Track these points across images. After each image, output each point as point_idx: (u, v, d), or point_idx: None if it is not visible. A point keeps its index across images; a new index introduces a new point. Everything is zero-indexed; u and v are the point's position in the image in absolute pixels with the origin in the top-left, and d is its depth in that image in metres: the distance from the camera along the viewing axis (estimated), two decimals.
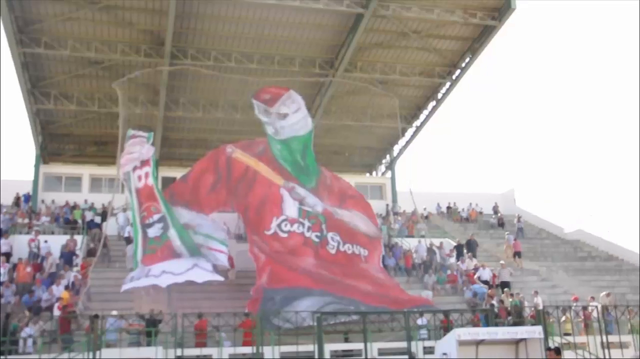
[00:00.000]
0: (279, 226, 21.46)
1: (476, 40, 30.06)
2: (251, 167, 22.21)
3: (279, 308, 19.08)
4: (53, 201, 31.01)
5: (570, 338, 18.36)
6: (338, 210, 22.44)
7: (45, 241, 24.16)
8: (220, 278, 20.05)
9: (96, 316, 16.15)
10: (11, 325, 17.03)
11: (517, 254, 29.31)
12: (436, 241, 28.67)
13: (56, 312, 18.50)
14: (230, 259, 21.44)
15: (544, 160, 77.08)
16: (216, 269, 20.34)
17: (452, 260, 27.56)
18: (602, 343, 18.00)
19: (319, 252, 21.51)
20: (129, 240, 24.02)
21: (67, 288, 20.54)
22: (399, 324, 18.17)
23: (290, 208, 21.66)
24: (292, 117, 22.03)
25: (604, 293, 23.07)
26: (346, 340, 18.91)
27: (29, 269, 21.93)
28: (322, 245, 21.63)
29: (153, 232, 19.95)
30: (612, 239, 32.99)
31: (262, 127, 22.72)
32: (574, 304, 21.75)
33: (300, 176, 22.24)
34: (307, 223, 21.57)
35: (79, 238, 25.39)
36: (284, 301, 19.58)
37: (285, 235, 21.40)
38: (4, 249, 23.42)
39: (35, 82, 29.35)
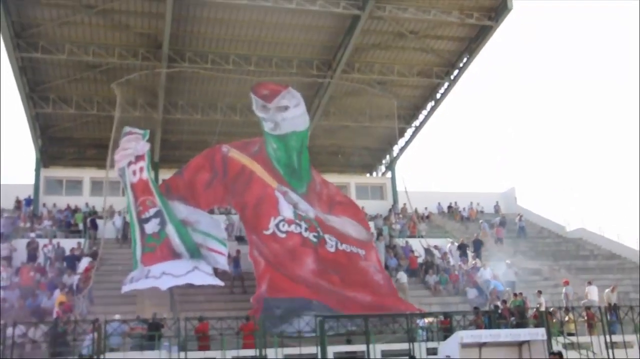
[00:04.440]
0: (277, 225, 21.19)
1: (473, 40, 29.98)
2: (247, 167, 22.01)
3: (280, 322, 18.85)
4: (54, 205, 30.98)
5: (573, 338, 18.33)
6: (329, 216, 22.30)
7: (45, 245, 24.16)
8: (220, 283, 19.89)
9: (96, 321, 16.07)
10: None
11: (499, 240, 30.79)
12: (432, 242, 28.57)
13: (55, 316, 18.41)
14: (230, 259, 21.25)
15: (545, 158, 77.23)
16: (217, 272, 20.26)
17: (453, 260, 27.49)
18: (606, 342, 17.94)
19: (318, 251, 21.23)
20: None
21: (68, 292, 20.48)
22: (400, 327, 18.15)
23: (286, 210, 21.49)
24: (292, 111, 21.78)
25: (609, 288, 23.00)
26: (348, 342, 18.85)
27: (32, 273, 21.92)
28: (321, 244, 21.37)
29: (150, 228, 19.65)
30: (614, 238, 32.98)
31: (259, 127, 22.57)
32: (565, 289, 23.01)
33: (292, 180, 22.03)
34: (303, 224, 21.39)
35: (80, 241, 25.34)
36: (285, 314, 19.23)
37: (283, 236, 21.13)
38: (4, 253, 23.39)
39: (34, 86, 29.32)
